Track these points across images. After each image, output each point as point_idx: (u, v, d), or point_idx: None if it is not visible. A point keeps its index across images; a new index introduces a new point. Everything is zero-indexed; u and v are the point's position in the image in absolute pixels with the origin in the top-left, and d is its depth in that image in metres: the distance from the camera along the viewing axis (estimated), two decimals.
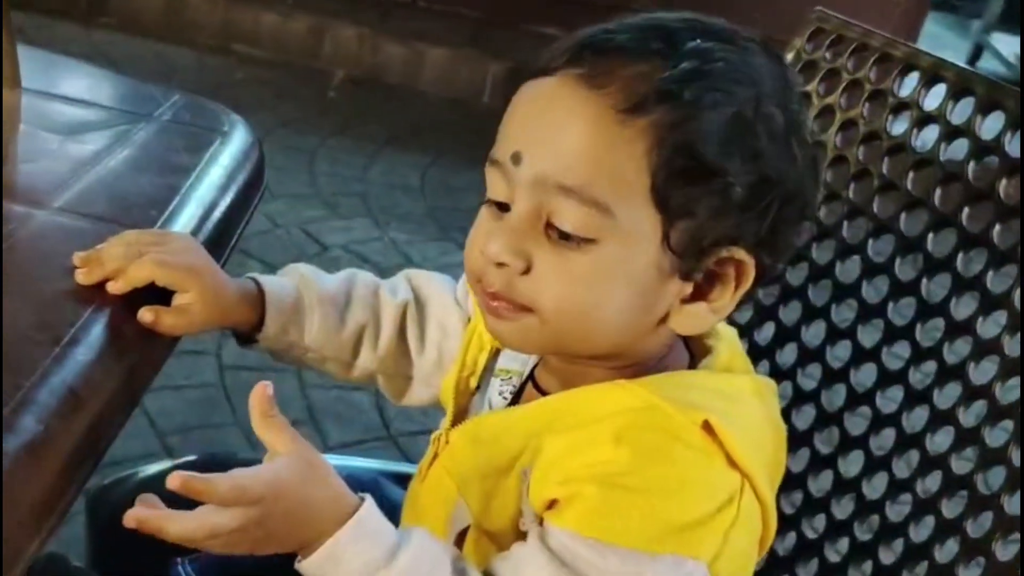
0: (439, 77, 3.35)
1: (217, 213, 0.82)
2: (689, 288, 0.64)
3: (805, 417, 0.93)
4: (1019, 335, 0.78)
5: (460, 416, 0.74)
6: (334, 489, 0.60)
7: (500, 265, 0.63)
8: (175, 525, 0.57)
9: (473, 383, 0.76)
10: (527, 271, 0.63)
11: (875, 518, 0.86)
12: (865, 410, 0.89)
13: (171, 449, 1.76)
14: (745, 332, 0.97)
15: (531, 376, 0.72)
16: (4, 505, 0.51)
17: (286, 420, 0.62)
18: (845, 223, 0.96)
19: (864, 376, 0.90)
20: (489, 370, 0.76)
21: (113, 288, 0.67)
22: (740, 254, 0.63)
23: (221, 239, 0.82)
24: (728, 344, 0.70)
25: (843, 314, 0.93)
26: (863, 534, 0.86)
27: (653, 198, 0.61)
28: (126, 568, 0.88)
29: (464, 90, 3.30)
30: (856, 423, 0.90)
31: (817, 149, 0.69)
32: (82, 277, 0.67)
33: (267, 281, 0.75)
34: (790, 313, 0.97)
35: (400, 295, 0.81)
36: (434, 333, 0.80)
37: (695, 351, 0.69)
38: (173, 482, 0.56)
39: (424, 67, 3.36)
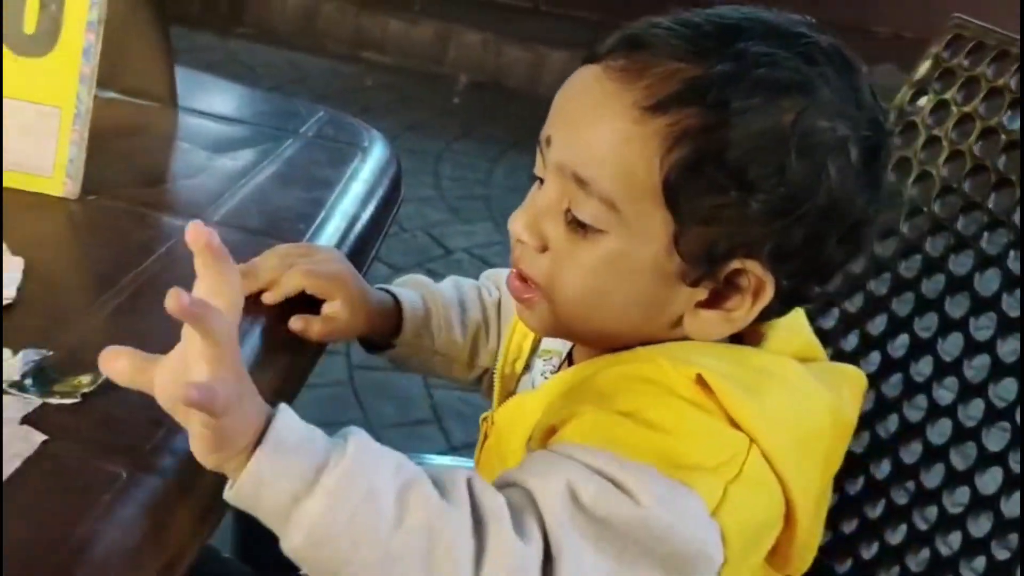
0: (560, 80, 3.35)
1: (359, 225, 0.86)
2: (703, 294, 0.63)
3: (889, 424, 0.92)
4: None
5: (506, 398, 0.76)
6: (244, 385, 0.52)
7: (521, 241, 0.65)
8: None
9: (519, 367, 0.78)
10: (544, 250, 0.64)
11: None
12: (945, 422, 0.88)
13: None
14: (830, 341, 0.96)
15: (569, 355, 0.74)
16: (174, 501, 0.55)
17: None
18: (986, 234, 0.94)
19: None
20: (535, 352, 0.78)
21: (268, 298, 0.71)
22: (756, 268, 0.62)
23: (362, 250, 0.86)
24: (785, 330, 0.67)
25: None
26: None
27: (664, 200, 0.60)
28: (271, 558, 0.93)
29: None
30: (938, 433, 0.88)
31: (882, 168, 0.64)
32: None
33: (399, 291, 0.80)
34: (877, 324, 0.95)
35: (493, 293, 0.85)
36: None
37: (750, 340, 0.67)
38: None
39: (545, 70, 3.39)
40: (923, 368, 0.90)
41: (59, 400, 0.58)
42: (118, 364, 0.53)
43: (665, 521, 0.55)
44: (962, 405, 0.86)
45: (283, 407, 0.53)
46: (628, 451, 0.57)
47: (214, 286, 0.52)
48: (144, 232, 0.77)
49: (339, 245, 0.82)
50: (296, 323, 0.71)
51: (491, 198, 2.75)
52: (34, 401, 0.58)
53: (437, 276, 0.87)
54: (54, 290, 0.68)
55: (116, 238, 0.77)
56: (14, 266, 0.69)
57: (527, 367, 0.78)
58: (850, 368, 0.72)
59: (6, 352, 0.60)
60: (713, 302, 0.63)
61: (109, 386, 0.59)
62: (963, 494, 0.84)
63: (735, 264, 0.61)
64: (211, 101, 1.00)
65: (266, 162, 0.90)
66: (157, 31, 0.90)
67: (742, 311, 0.63)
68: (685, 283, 0.62)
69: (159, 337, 0.66)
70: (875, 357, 0.95)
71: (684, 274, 0.62)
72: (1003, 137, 0.93)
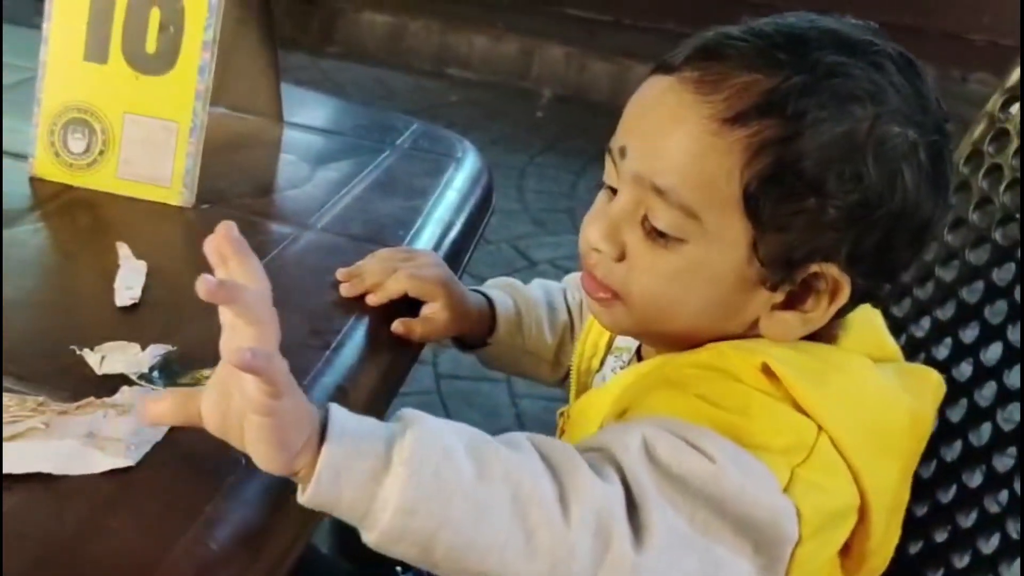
0: None
1: (453, 232, 0.90)
2: (780, 296, 0.64)
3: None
4: None
5: (582, 394, 0.78)
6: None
7: (598, 250, 0.66)
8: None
9: (595, 364, 0.79)
10: (622, 258, 0.65)
11: None
12: (987, 426, 0.87)
13: None
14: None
15: (638, 351, 0.75)
16: (285, 488, 0.59)
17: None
18: None
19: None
20: (610, 349, 0.80)
21: (372, 300, 0.75)
22: (833, 271, 0.63)
23: (457, 255, 0.89)
24: (859, 331, 0.68)
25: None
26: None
27: (744, 208, 0.61)
28: (368, 553, 0.97)
29: None
30: (978, 436, 0.87)
31: (949, 170, 0.65)
32: (345, 290, 0.76)
33: (492, 293, 0.83)
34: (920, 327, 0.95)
35: (576, 296, 0.87)
36: None
37: (824, 341, 0.67)
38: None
39: (629, 83, 3.37)
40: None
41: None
42: (160, 407, 0.54)
43: (737, 481, 0.56)
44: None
45: (331, 403, 0.53)
46: (698, 423, 0.58)
47: (238, 275, 0.51)
48: (254, 238, 0.80)
49: (435, 249, 0.86)
50: (398, 327, 0.74)
51: (575, 210, 2.77)
52: (161, 391, 0.62)
53: None
54: (175, 291, 0.72)
55: None
56: (138, 269, 0.74)
57: (601, 364, 0.80)
58: (930, 371, 0.72)
59: (135, 347, 0.65)
60: (790, 304, 0.64)
61: None
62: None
63: (813, 268, 0.63)
64: (313, 116, 1.05)
65: (365, 172, 0.95)
66: (265, 50, 0.95)
67: (819, 311, 0.64)
68: (764, 287, 0.63)
69: None
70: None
71: (763, 279, 0.63)
72: None
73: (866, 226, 0.62)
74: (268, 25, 0.93)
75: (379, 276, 0.76)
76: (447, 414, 1.97)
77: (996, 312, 0.93)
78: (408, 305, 0.77)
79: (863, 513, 0.63)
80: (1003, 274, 0.98)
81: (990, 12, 3.13)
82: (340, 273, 0.77)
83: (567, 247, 2.59)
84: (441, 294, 0.76)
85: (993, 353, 0.88)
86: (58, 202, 0.85)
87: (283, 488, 0.55)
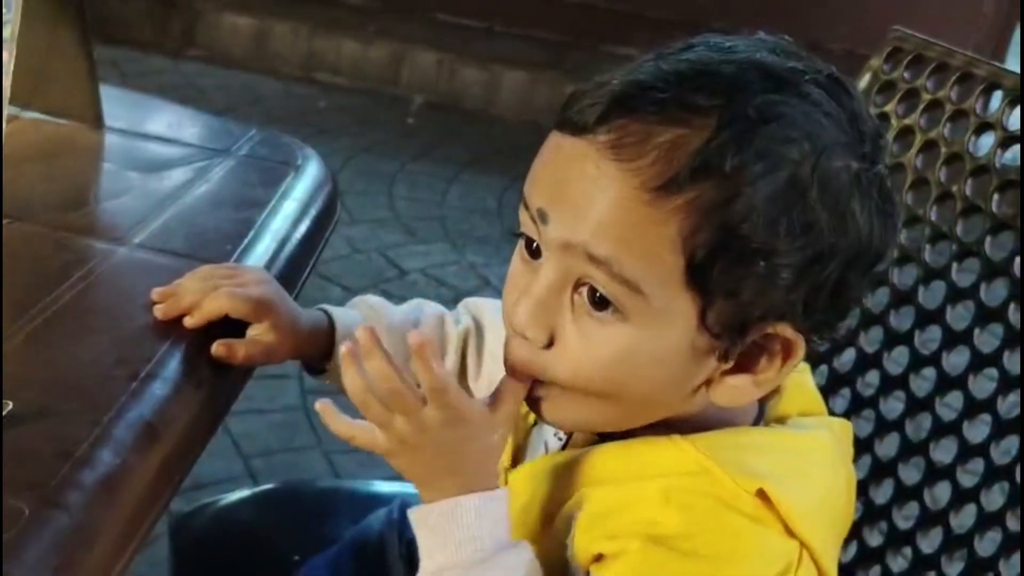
0: (517, 100, 3.36)
1: (290, 246, 0.84)
2: (731, 362, 0.59)
3: (889, 445, 0.91)
4: None
5: (518, 451, 0.72)
6: (492, 464, 0.61)
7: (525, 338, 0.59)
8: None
9: (531, 419, 0.72)
10: (550, 345, 0.59)
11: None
12: (950, 441, 0.87)
13: (254, 471, 1.79)
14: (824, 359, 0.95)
15: None
16: (83, 538, 0.52)
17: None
18: (927, 247, 0.93)
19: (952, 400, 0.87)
20: None
21: (189, 322, 0.69)
22: (787, 331, 0.58)
23: (295, 270, 0.83)
24: (797, 383, 0.66)
25: (928, 337, 0.91)
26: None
27: (688, 280, 0.55)
28: None
29: (542, 113, 3.30)
30: (943, 452, 0.87)
31: (893, 193, 0.60)
32: (160, 312, 0.69)
33: (337, 313, 0.76)
34: (872, 341, 0.94)
35: (462, 323, 0.81)
36: (489, 363, 0.79)
37: (766, 396, 0.64)
38: (413, 339, 0.56)
39: (502, 91, 3.38)
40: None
41: None
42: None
43: None
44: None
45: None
46: None
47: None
48: (61, 256, 0.74)
49: (269, 265, 0.80)
50: (219, 348, 0.68)
51: (447, 218, 2.73)
52: None
53: (393, 297, 0.84)
54: None
55: (33, 263, 0.74)
56: None
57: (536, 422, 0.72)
58: (843, 422, 0.69)
59: None
60: (740, 367, 0.59)
61: (17, 418, 0.57)
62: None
63: (767, 329, 0.58)
64: (142, 121, 0.97)
65: (197, 182, 0.88)
66: (79, 50, 0.87)
67: (771, 372, 0.59)
68: (713, 356, 0.58)
69: (70, 365, 0.64)
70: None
71: (713, 348, 0.58)
72: (943, 149, 0.93)
73: (820, 278, 0.57)
74: (82, 25, 0.86)
75: (197, 295, 0.69)
76: (315, 432, 1.89)
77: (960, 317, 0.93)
78: (235, 327, 0.70)
79: None
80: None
81: (848, 22, 3.22)
82: (155, 293, 0.70)
83: (439, 255, 2.54)
84: (267, 315, 0.70)
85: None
86: None
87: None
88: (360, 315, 0.77)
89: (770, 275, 0.56)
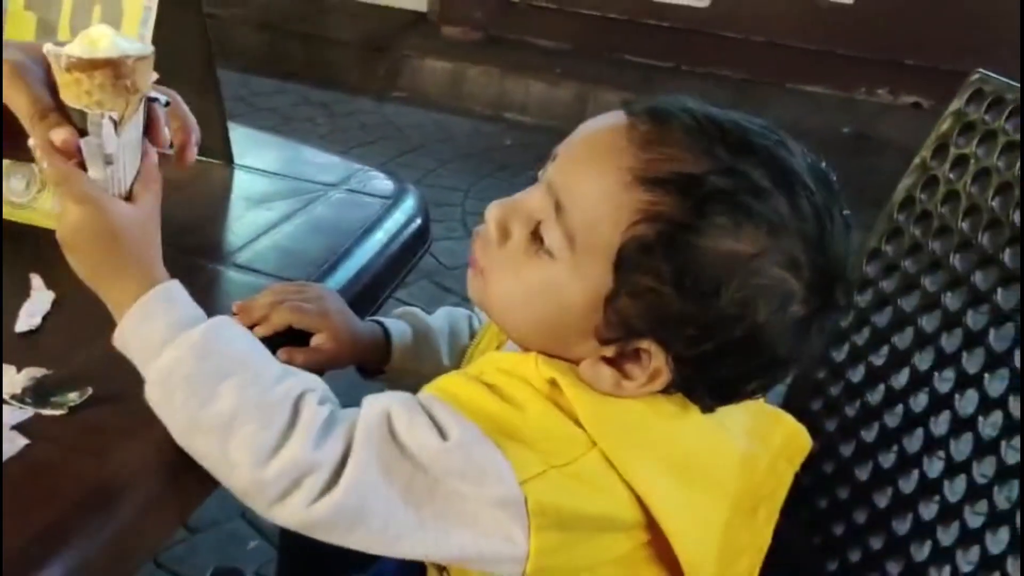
0: None
1: (371, 272, 0.94)
2: (609, 352, 0.66)
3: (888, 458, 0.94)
4: None
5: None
6: (155, 255, 0.71)
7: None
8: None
9: (495, 344, 0.82)
10: (502, 245, 0.69)
11: None
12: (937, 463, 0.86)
13: None
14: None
15: None
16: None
17: None
18: (999, 289, 0.92)
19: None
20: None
21: (258, 332, 0.79)
22: (658, 356, 0.65)
23: (372, 293, 0.93)
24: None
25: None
26: None
27: (614, 261, 0.64)
28: None
29: None
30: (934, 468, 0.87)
31: (819, 329, 0.66)
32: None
33: (389, 322, 0.86)
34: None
35: (484, 319, 0.89)
36: None
37: None
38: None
39: None
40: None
41: (49, 411, 0.68)
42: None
43: (457, 465, 0.61)
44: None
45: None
46: (466, 408, 0.64)
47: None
48: (172, 273, 0.87)
49: (346, 288, 0.90)
50: (281, 355, 0.78)
51: None
52: (28, 411, 0.68)
53: None
54: (75, 320, 0.78)
55: None
56: (45, 299, 0.80)
57: None
58: (787, 418, 0.73)
59: (11, 369, 0.71)
60: (615, 362, 0.67)
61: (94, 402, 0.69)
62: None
63: (644, 345, 0.65)
64: (265, 158, 1.10)
65: (298, 212, 1.00)
66: (214, 109, 1.00)
67: (634, 383, 0.66)
68: (595, 337, 0.66)
69: None
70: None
71: (598, 331, 0.66)
72: (1016, 192, 0.92)
73: (703, 336, 0.64)
74: (213, 84, 0.99)
75: (267, 309, 0.80)
76: None
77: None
78: (301, 336, 0.81)
79: (661, 535, 0.65)
80: (931, 319, 0.97)
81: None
82: (235, 306, 0.81)
83: None
84: (326, 325, 0.80)
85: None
86: None
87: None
88: (407, 323, 0.87)
89: (668, 303, 0.63)
